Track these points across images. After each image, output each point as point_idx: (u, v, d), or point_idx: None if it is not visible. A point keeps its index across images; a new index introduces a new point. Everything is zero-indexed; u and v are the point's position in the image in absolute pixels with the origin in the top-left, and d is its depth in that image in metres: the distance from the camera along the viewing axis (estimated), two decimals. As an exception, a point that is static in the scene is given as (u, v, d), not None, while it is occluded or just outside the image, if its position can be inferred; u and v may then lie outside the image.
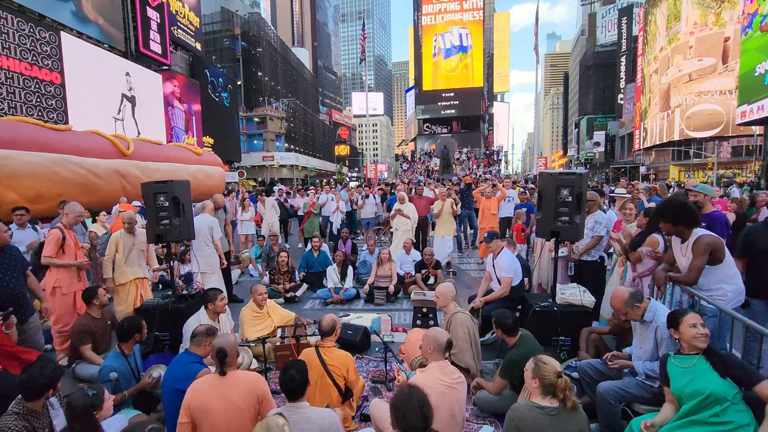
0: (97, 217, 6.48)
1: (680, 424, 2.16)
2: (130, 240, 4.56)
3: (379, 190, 12.34)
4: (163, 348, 3.82)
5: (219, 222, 5.84)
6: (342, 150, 72.76)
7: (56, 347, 4.18)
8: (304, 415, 2.15)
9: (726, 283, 3.01)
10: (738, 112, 23.10)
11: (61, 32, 17.16)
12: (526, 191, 9.13)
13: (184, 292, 4.38)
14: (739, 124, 24.11)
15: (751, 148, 29.91)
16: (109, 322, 3.85)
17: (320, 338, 3.14)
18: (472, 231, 9.87)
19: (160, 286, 6.67)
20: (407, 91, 64.26)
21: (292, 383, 2.18)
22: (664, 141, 37.00)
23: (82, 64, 18.04)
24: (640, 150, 43.79)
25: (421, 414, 1.81)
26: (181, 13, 26.69)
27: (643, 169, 41.69)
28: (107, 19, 20.29)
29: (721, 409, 2.06)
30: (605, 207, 5.67)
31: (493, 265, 4.59)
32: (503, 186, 8.69)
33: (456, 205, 7.90)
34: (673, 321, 2.37)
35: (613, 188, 13.96)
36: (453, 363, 2.76)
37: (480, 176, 21.78)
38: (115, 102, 20.21)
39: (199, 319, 3.57)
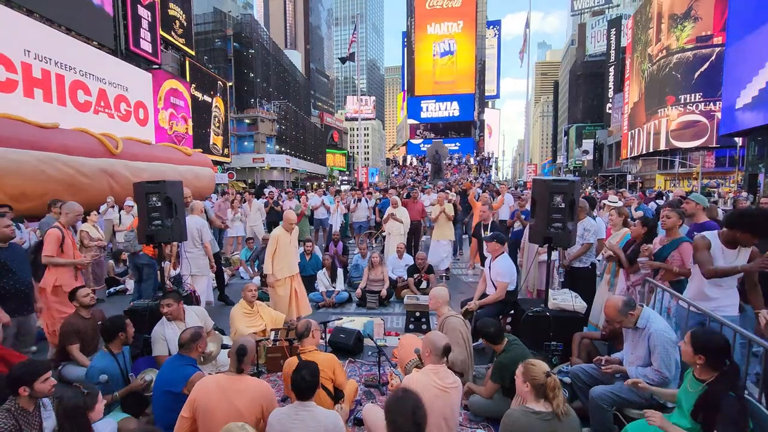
0: (87, 217, 6.36)
1: None
2: (286, 238, 4.98)
3: (392, 189, 12.49)
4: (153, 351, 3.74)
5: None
6: (335, 160, 72.57)
7: (53, 346, 4.09)
8: (312, 414, 2.18)
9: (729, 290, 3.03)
10: (720, 125, 23.77)
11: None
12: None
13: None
14: (722, 136, 24.77)
15: (736, 159, 30.72)
16: (99, 323, 3.75)
17: (299, 342, 3.13)
18: (466, 237, 9.91)
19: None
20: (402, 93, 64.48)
21: (303, 383, 2.22)
22: (651, 150, 37.76)
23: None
24: (627, 159, 44.62)
25: (414, 419, 1.81)
26: (172, 13, 26.45)
27: (630, 178, 42.47)
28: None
29: None
30: (594, 214, 5.76)
31: (489, 268, 4.54)
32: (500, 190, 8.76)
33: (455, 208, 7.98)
34: None
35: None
36: (448, 367, 2.76)
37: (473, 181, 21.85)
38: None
39: (162, 324, 3.53)
